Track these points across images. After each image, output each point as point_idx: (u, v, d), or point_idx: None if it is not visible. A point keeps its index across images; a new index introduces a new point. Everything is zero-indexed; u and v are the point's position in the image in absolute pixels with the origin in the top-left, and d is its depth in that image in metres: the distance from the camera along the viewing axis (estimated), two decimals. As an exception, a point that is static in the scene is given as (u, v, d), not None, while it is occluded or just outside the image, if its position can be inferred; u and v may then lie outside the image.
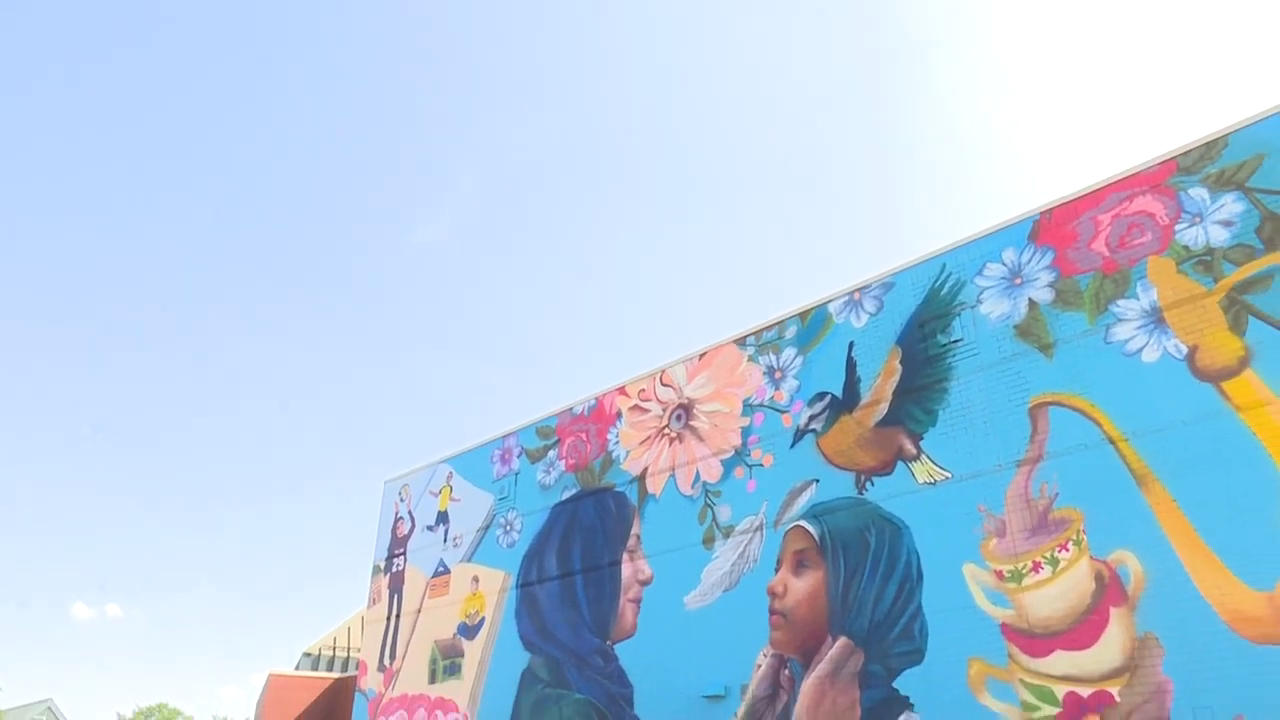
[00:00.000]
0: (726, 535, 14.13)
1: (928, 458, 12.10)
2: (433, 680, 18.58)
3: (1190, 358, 10.16)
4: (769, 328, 15.04)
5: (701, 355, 16.04)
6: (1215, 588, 9.22)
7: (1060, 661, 10.04)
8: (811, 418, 13.67)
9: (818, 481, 13.23)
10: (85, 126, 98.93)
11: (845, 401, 13.35)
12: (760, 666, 12.86)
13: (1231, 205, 10.41)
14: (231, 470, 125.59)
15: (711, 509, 14.55)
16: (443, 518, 20.39)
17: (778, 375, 14.49)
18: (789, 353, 14.49)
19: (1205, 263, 10.39)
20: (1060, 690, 9.93)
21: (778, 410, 14.25)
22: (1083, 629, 9.99)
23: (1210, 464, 9.64)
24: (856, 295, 13.93)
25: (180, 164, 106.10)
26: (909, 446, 12.36)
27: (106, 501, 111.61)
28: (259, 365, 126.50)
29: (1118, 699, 9.52)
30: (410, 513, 21.54)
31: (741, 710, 12.86)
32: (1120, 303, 10.92)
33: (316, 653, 31.98)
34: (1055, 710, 9.91)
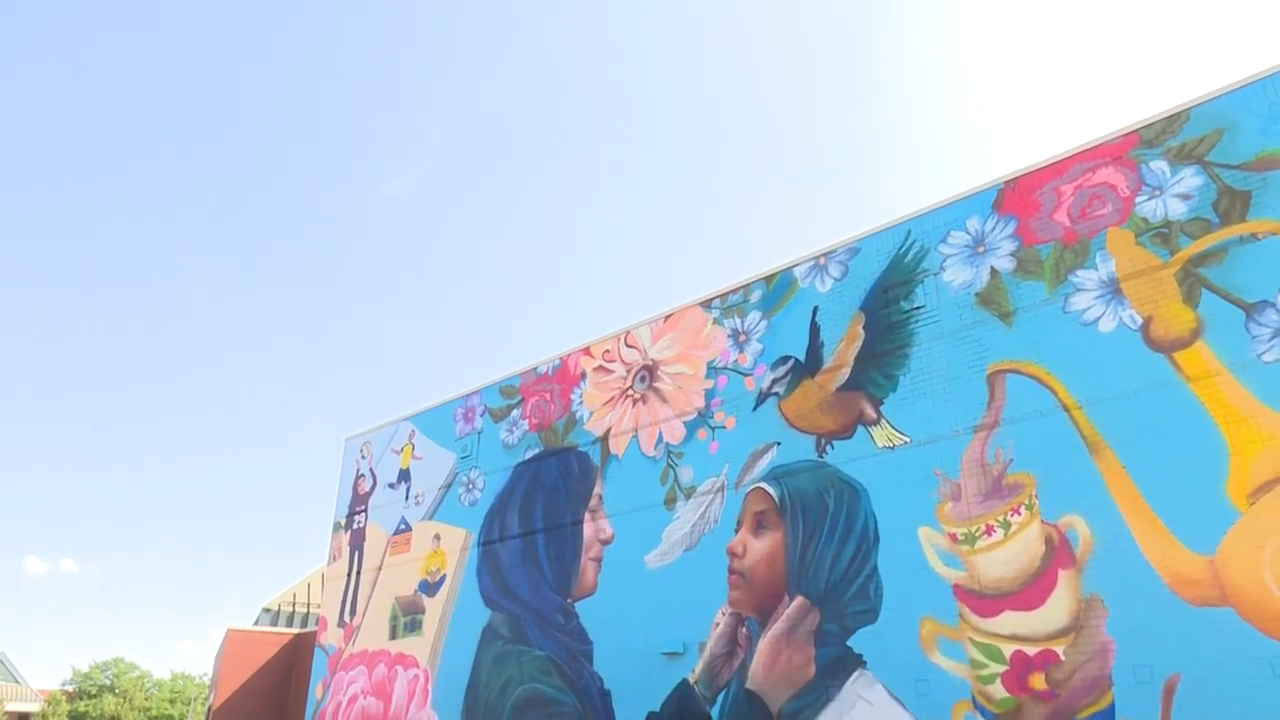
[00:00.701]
0: (688, 496, 14.26)
1: (887, 422, 12.27)
2: (393, 636, 18.66)
3: (1145, 328, 10.37)
4: (734, 291, 15.07)
5: (666, 317, 16.04)
6: (1159, 551, 9.51)
7: (1009, 621, 10.33)
8: (774, 381, 13.77)
9: (779, 444, 13.37)
10: (30, 66, 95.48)
11: (808, 365, 13.46)
12: (718, 625, 13.07)
13: (1190, 179, 10.57)
14: (191, 424, 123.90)
15: (674, 470, 14.66)
16: (404, 475, 20.33)
17: (742, 338, 14.55)
18: (754, 316, 14.55)
19: (1163, 235, 10.57)
20: (1008, 649, 10.23)
21: (741, 373, 14.33)
22: (1031, 590, 10.27)
23: (1160, 432, 9.89)
24: (822, 260, 13.98)
25: (142, 111, 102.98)
26: (869, 411, 12.52)
27: (60, 454, 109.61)
28: (219, 318, 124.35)
29: (1062, 658, 9.83)
30: (372, 470, 21.44)
31: (699, 667, 13.09)
32: (1079, 273, 11.09)
33: (276, 609, 31.92)
34: (1002, 668, 10.21)
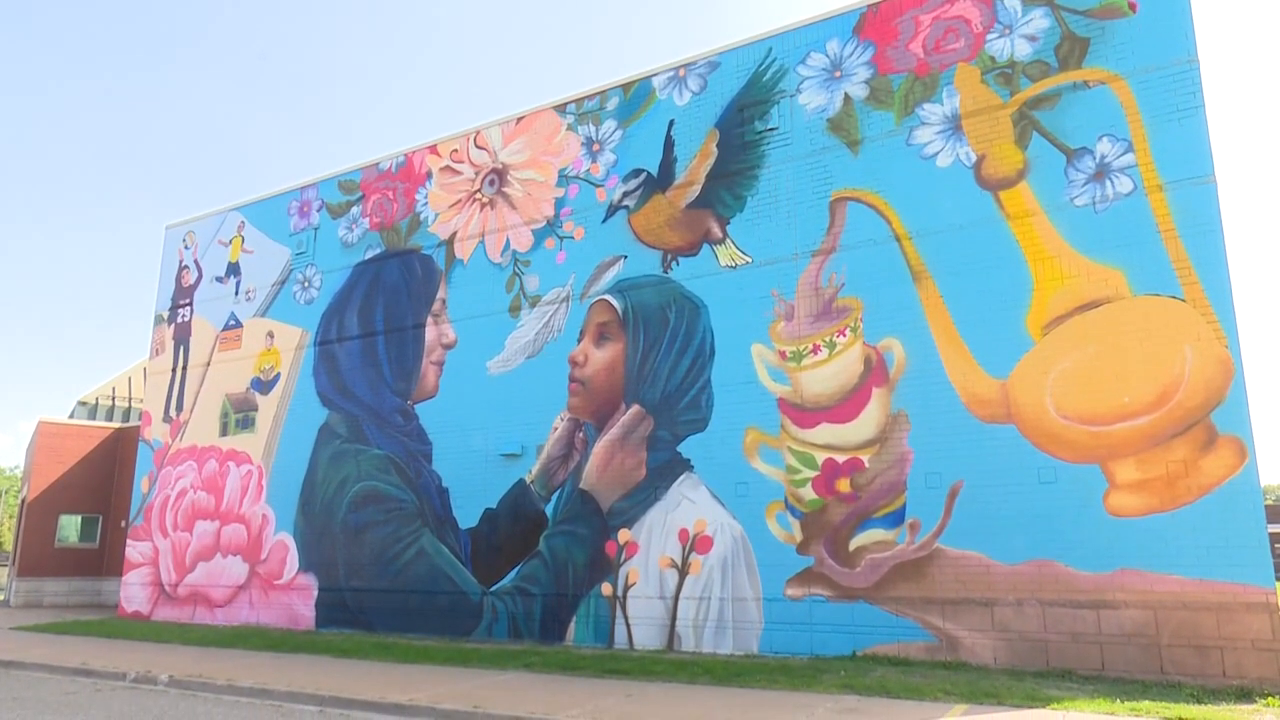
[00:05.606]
0: (533, 304, 14.29)
1: (732, 242, 12.55)
2: (224, 433, 18.27)
3: (977, 166, 10.88)
4: (590, 97, 14.57)
5: (519, 119, 15.40)
6: (961, 374, 10.47)
7: (824, 433, 11.24)
8: (626, 194, 13.68)
9: (626, 257, 13.48)
10: None
11: (660, 180, 13.40)
12: (557, 429, 13.54)
13: (1039, 20, 10.83)
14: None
15: (520, 278, 14.57)
16: (234, 269, 19.24)
17: (596, 148, 14.23)
18: (609, 125, 14.19)
19: (1006, 75, 10.91)
20: (820, 456, 11.19)
21: (593, 184, 14.12)
22: (847, 405, 11.16)
23: (977, 266, 10.63)
24: (681, 72, 13.65)
25: None
26: (715, 230, 12.73)
27: None
28: (28, 85, 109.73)
29: (867, 465, 10.87)
30: (196, 261, 20.14)
31: (536, 468, 13.62)
32: (926, 106, 11.36)
33: (93, 402, 30.42)
34: (814, 474, 11.20)
